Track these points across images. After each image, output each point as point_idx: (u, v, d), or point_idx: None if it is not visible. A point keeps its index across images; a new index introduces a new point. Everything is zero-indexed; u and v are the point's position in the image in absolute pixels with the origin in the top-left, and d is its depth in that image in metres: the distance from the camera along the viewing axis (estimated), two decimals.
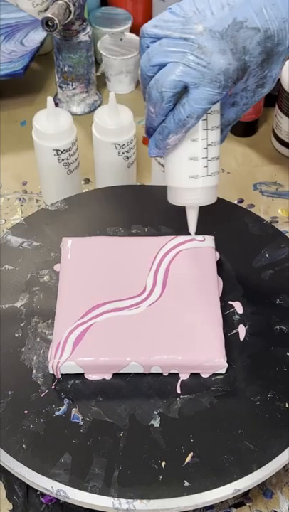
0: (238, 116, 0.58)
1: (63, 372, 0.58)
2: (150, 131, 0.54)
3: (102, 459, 0.53)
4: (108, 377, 0.58)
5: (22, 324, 0.62)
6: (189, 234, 0.67)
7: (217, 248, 0.67)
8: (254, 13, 0.49)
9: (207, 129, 0.54)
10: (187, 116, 0.50)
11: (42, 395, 0.57)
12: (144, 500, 0.51)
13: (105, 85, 0.98)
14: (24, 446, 0.54)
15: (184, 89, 0.50)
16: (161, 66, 0.50)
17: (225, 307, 0.63)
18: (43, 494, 0.57)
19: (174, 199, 0.58)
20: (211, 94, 0.49)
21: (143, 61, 0.51)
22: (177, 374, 0.59)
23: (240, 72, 0.50)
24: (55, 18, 0.78)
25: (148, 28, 0.51)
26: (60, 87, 0.92)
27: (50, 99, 0.72)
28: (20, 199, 0.83)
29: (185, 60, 0.49)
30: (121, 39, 0.94)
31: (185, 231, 0.68)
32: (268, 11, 0.49)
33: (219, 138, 0.56)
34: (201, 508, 0.56)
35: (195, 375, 0.59)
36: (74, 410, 0.56)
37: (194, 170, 0.55)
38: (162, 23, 0.50)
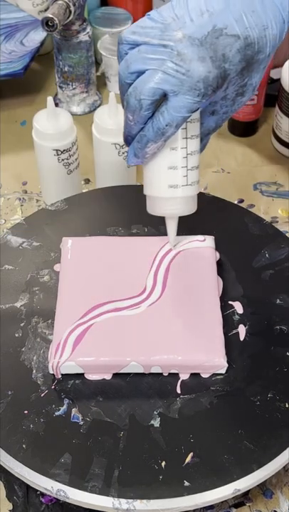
0: (218, 125, 0.57)
1: (63, 372, 0.58)
2: (128, 140, 0.53)
3: (102, 459, 0.53)
4: (108, 377, 0.58)
5: (22, 324, 0.62)
6: (189, 234, 0.67)
7: (217, 248, 0.67)
8: (234, 20, 0.48)
9: (187, 138, 0.53)
10: (166, 125, 0.50)
11: (42, 395, 0.57)
12: (144, 500, 0.51)
13: (105, 85, 0.98)
14: (24, 446, 0.54)
15: (163, 97, 0.49)
16: (140, 73, 0.49)
17: (225, 307, 0.63)
18: (43, 494, 0.57)
19: (153, 209, 0.57)
20: (191, 103, 0.49)
21: (121, 68, 0.51)
22: (177, 374, 0.59)
23: (219, 80, 0.49)
24: (55, 18, 0.78)
25: (126, 34, 0.50)
26: (60, 87, 0.92)
27: (50, 99, 0.72)
28: (20, 199, 0.83)
29: (164, 67, 0.48)
30: None
31: (185, 231, 0.68)
32: (248, 18, 0.48)
33: (199, 147, 0.55)
34: (201, 508, 0.56)
35: (195, 375, 0.59)
36: (74, 410, 0.56)
37: (174, 179, 0.54)
38: (141, 29, 0.49)
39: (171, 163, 0.54)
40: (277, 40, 0.51)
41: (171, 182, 0.54)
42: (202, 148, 0.57)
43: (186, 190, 0.55)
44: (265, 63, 0.52)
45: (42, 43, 0.94)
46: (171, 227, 0.60)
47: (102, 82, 0.98)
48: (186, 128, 0.53)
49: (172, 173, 0.54)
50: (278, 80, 0.85)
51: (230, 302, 0.64)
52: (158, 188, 0.55)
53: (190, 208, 0.57)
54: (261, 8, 0.49)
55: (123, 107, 0.52)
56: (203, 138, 0.57)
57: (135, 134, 0.52)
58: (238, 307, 0.64)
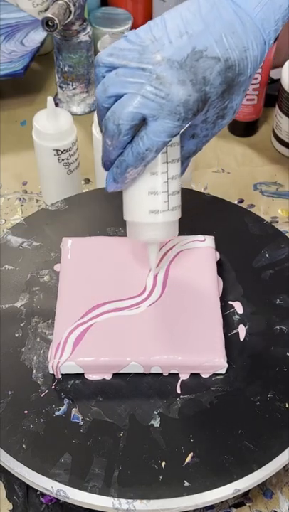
0: (199, 148, 0.56)
1: (63, 373, 0.58)
2: (107, 165, 0.52)
3: (102, 459, 0.53)
4: (108, 377, 0.58)
5: (22, 324, 0.62)
6: (189, 234, 0.67)
7: (217, 248, 0.67)
8: (214, 41, 0.47)
9: (167, 162, 0.52)
10: (146, 150, 0.48)
11: (42, 395, 0.57)
12: (144, 501, 0.51)
13: None
14: (24, 446, 0.54)
15: (143, 121, 0.48)
16: (118, 97, 0.48)
17: (225, 307, 0.63)
18: (43, 494, 0.57)
19: (134, 234, 0.56)
20: (171, 127, 0.47)
21: (98, 92, 0.49)
22: (177, 374, 0.59)
23: (200, 103, 0.48)
24: (56, 18, 0.78)
25: (103, 56, 0.49)
26: (60, 87, 0.92)
27: (50, 99, 0.72)
28: (20, 199, 0.83)
29: (143, 91, 0.46)
30: None
31: (185, 231, 0.68)
32: (229, 39, 0.47)
33: (180, 171, 0.54)
34: (201, 508, 0.56)
35: (195, 375, 0.59)
36: (74, 410, 0.56)
37: (154, 204, 0.53)
38: (118, 51, 0.48)
39: (152, 188, 0.52)
40: (258, 61, 0.49)
41: (152, 207, 0.53)
42: (182, 171, 0.56)
43: (167, 215, 0.54)
44: (246, 85, 0.51)
45: (42, 43, 0.94)
46: (153, 252, 0.59)
47: None
48: (166, 152, 0.52)
49: (153, 199, 0.53)
50: (278, 80, 0.85)
51: (230, 302, 0.64)
52: (138, 214, 0.54)
53: (171, 232, 0.56)
54: (241, 29, 0.47)
55: (101, 131, 0.50)
56: (184, 161, 0.56)
57: (114, 159, 0.50)
58: (238, 307, 0.64)
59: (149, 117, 0.47)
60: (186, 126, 0.50)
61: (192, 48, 0.46)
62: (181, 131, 0.51)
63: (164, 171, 0.52)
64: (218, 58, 0.47)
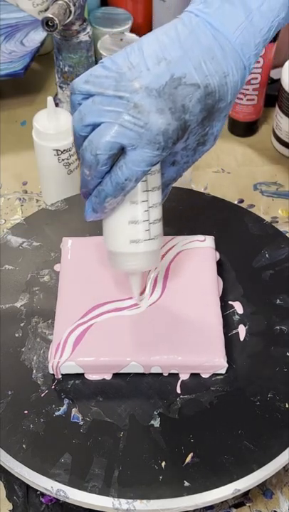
0: (180, 175, 0.55)
1: (63, 373, 0.58)
2: (86, 194, 0.50)
3: (102, 459, 0.53)
4: (108, 377, 0.58)
5: (22, 324, 0.62)
6: (189, 234, 0.67)
7: (217, 248, 0.67)
8: (193, 67, 0.45)
9: (147, 191, 0.51)
10: (125, 180, 0.47)
11: (42, 395, 0.57)
12: (144, 501, 0.51)
13: None
14: (24, 446, 0.54)
15: (121, 151, 0.46)
16: (95, 126, 0.46)
17: (225, 307, 0.63)
18: (43, 494, 0.57)
19: (115, 264, 0.55)
20: (150, 156, 0.46)
21: (75, 120, 0.47)
22: (177, 374, 0.59)
23: (180, 131, 0.46)
24: (56, 18, 0.78)
25: (79, 83, 0.47)
26: (61, 87, 0.92)
27: (50, 99, 0.72)
28: (20, 199, 0.83)
29: (120, 120, 0.45)
30: (121, 39, 0.94)
31: (185, 231, 0.68)
32: (208, 65, 0.46)
33: (161, 199, 0.53)
34: (201, 508, 0.56)
35: (195, 375, 0.59)
36: (74, 410, 0.56)
37: (135, 234, 0.52)
38: (94, 78, 0.46)
39: (132, 218, 0.51)
40: (238, 86, 0.48)
41: (133, 237, 0.52)
42: (163, 198, 0.55)
43: (148, 244, 0.52)
44: (226, 111, 0.50)
45: (42, 43, 0.94)
46: (135, 282, 0.57)
47: None
48: (146, 180, 0.51)
49: (133, 228, 0.51)
50: (278, 80, 0.85)
51: (230, 302, 0.64)
52: (119, 244, 0.53)
53: (154, 261, 0.55)
54: (221, 55, 0.46)
55: (79, 160, 0.49)
56: (164, 188, 0.55)
57: (93, 189, 0.49)
58: (238, 307, 0.64)
59: (128, 147, 0.46)
60: (166, 154, 0.49)
61: (170, 75, 0.45)
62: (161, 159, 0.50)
63: (145, 199, 0.51)
64: (197, 85, 0.46)
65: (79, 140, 0.48)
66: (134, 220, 0.51)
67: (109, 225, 0.52)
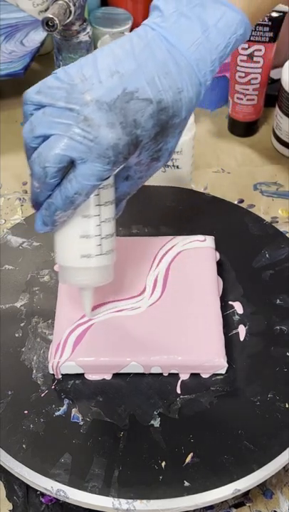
0: (134, 190, 0.54)
1: (63, 373, 0.58)
2: (36, 206, 0.49)
3: (102, 459, 0.53)
4: (108, 377, 0.58)
5: (22, 324, 0.62)
6: (189, 234, 0.67)
7: (217, 248, 0.67)
8: (146, 82, 0.45)
9: (100, 205, 0.50)
10: (75, 193, 0.46)
11: (42, 395, 0.57)
12: (144, 501, 0.51)
13: None
14: (24, 446, 0.54)
15: (71, 163, 0.46)
16: (46, 137, 0.45)
17: (225, 307, 0.63)
18: (43, 494, 0.57)
19: (65, 279, 0.53)
20: (100, 170, 0.45)
21: (25, 131, 0.47)
22: (177, 374, 0.59)
23: (131, 146, 0.46)
24: (56, 18, 0.78)
25: (31, 94, 0.46)
26: None
27: None
28: (20, 199, 0.83)
29: (70, 133, 0.44)
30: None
31: (185, 231, 0.68)
32: (162, 80, 0.45)
33: (114, 213, 0.52)
34: (201, 509, 0.56)
35: (195, 375, 0.59)
36: (74, 410, 0.56)
37: (86, 248, 0.51)
38: (46, 89, 0.46)
39: (84, 232, 0.50)
40: (193, 102, 0.48)
41: (84, 251, 0.51)
42: (118, 213, 0.54)
43: (100, 259, 0.52)
44: (181, 127, 0.49)
45: (42, 43, 0.94)
46: (87, 298, 0.56)
47: None
48: (98, 194, 0.50)
49: (85, 242, 0.51)
50: (278, 80, 0.85)
51: (230, 302, 0.64)
52: (70, 258, 0.52)
53: (105, 277, 0.54)
54: (176, 70, 0.46)
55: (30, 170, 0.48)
56: (118, 203, 0.54)
57: (43, 201, 0.48)
58: (238, 307, 0.64)
59: (78, 160, 0.45)
60: (118, 169, 0.48)
61: (123, 89, 0.44)
62: (114, 173, 0.49)
63: (97, 213, 0.50)
64: (150, 100, 0.45)
65: (29, 151, 0.47)
66: (86, 234, 0.50)
67: (60, 238, 0.51)
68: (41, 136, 0.46)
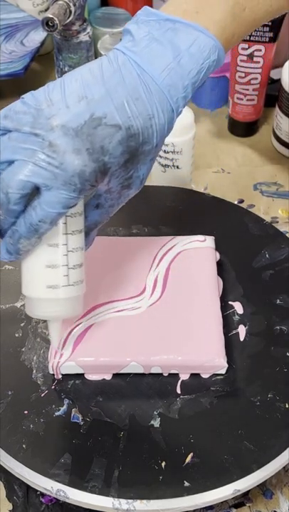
0: (105, 218, 0.53)
1: (63, 373, 0.58)
2: (1, 233, 0.47)
3: (102, 459, 0.53)
4: (108, 377, 0.58)
5: (22, 324, 0.62)
6: (190, 234, 0.67)
7: (217, 248, 0.67)
8: (115, 108, 0.44)
9: (67, 234, 0.48)
10: (39, 221, 0.45)
11: (42, 395, 0.57)
12: (144, 501, 0.51)
13: None
14: (24, 446, 0.54)
15: (36, 190, 0.44)
16: (10, 163, 0.44)
17: (225, 307, 0.63)
18: (43, 494, 0.57)
19: (32, 310, 0.51)
20: (66, 198, 0.44)
21: None
22: (177, 374, 0.59)
23: (98, 174, 0.45)
24: (56, 18, 0.78)
25: None
26: None
27: None
28: None
29: (35, 159, 0.43)
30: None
31: (185, 231, 0.68)
32: (131, 106, 0.44)
33: (83, 242, 0.51)
34: (201, 509, 0.56)
35: (195, 376, 0.59)
36: (74, 410, 0.56)
37: (53, 279, 0.49)
38: (13, 114, 0.44)
39: (50, 262, 0.48)
40: (165, 129, 0.46)
41: (50, 282, 0.49)
42: (89, 243, 0.53)
43: (67, 290, 0.50)
44: (152, 154, 0.47)
45: (42, 43, 0.94)
46: (54, 330, 0.54)
47: None
48: (66, 223, 0.48)
49: (51, 272, 0.49)
50: (278, 80, 0.85)
51: (230, 302, 0.64)
52: (36, 289, 0.50)
53: (74, 309, 0.52)
54: (146, 96, 0.44)
55: None
56: (89, 232, 0.52)
57: (7, 228, 0.46)
58: (238, 307, 0.64)
59: (42, 187, 0.44)
60: (87, 196, 0.47)
61: (90, 115, 0.43)
62: (81, 201, 0.48)
63: (64, 242, 0.48)
64: (118, 126, 0.44)
65: None
66: (52, 264, 0.49)
67: (25, 267, 0.50)
68: (6, 161, 0.44)
